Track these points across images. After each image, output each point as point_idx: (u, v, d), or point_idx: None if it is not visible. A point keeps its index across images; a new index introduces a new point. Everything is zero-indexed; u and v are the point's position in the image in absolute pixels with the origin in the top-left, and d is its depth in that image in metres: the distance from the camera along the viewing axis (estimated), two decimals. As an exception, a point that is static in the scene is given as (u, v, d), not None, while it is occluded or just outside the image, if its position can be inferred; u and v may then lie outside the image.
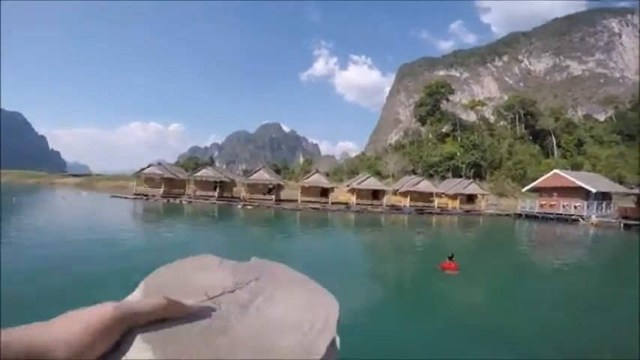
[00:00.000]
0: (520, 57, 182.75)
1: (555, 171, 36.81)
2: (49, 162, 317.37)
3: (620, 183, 42.88)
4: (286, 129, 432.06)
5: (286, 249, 16.23)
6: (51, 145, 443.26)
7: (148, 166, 40.29)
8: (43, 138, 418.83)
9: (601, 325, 7.25)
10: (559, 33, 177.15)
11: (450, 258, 11.36)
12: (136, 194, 38.31)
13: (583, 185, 31.75)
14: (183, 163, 78.74)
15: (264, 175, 41.20)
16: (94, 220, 21.71)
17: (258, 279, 0.55)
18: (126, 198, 36.78)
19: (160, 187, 39.03)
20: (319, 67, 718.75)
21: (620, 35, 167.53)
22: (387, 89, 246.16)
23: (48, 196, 36.55)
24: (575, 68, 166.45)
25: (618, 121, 79.83)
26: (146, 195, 38.09)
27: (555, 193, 34.32)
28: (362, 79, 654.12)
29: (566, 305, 8.79)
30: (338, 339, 0.46)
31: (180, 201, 36.78)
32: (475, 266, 12.73)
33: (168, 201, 36.08)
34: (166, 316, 0.39)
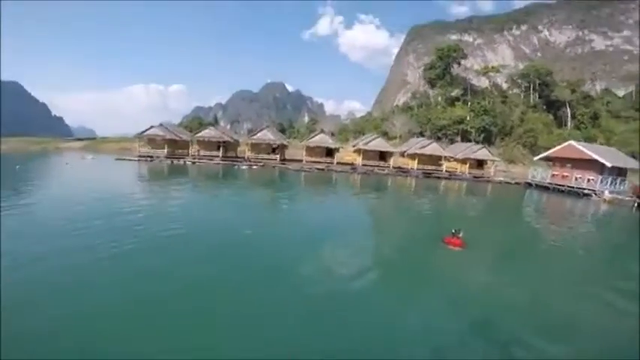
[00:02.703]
0: (540, 27, 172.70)
1: (571, 142, 34.94)
2: (53, 128, 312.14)
3: (634, 159, 41.03)
4: (290, 88, 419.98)
5: (285, 216, 16.01)
6: (54, 112, 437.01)
7: (150, 128, 39.43)
8: (44, 105, 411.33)
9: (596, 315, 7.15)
10: (587, 7, 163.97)
11: (455, 233, 10.75)
12: (140, 156, 37.96)
13: (598, 158, 30.35)
14: (187, 124, 77.60)
15: (267, 135, 40.26)
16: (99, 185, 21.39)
17: None
18: (130, 160, 36.54)
19: (164, 148, 38.59)
20: (323, 26, 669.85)
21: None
22: (395, 51, 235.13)
23: (52, 160, 36.58)
24: (599, 43, 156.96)
25: (638, 97, 75.23)
26: (150, 156, 37.74)
27: (569, 164, 32.98)
28: (368, 40, 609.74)
29: (567, 290, 8.52)
30: None
31: (184, 162, 36.44)
32: (480, 242, 11.98)
33: (172, 162, 35.76)
34: None
